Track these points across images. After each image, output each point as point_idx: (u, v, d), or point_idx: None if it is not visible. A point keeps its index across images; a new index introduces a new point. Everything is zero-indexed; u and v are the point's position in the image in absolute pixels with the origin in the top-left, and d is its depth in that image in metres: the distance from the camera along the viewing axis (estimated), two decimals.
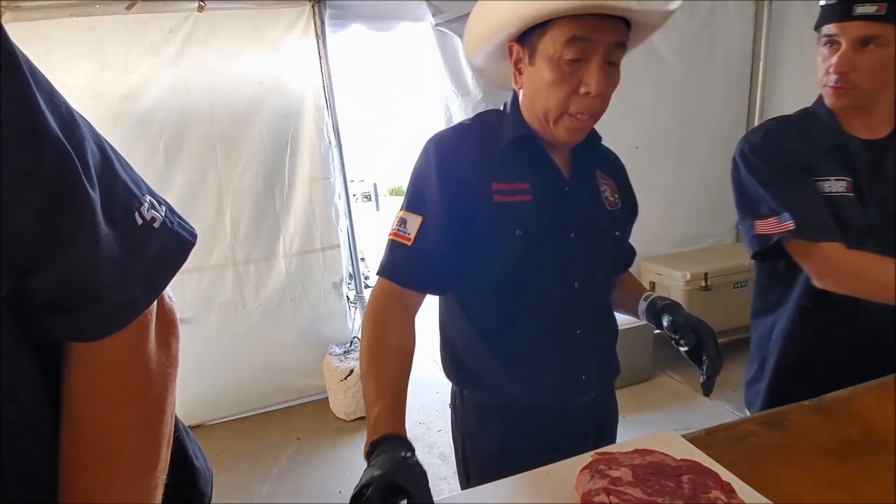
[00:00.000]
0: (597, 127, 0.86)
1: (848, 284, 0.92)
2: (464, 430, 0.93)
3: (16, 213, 0.35)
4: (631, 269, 1.05)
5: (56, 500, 0.42)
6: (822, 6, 0.96)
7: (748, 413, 1.15)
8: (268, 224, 2.55)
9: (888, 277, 0.85)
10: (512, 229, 0.79)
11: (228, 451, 2.39)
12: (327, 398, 2.68)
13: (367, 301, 0.82)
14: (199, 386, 2.50)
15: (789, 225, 0.94)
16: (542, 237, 0.81)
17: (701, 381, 0.81)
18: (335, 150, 2.57)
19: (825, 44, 0.95)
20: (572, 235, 0.83)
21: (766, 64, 3.03)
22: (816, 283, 0.96)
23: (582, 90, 0.73)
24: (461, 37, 2.59)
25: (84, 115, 0.43)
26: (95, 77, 2.21)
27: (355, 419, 2.58)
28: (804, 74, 2.85)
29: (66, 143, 0.38)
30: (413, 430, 2.42)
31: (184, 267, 0.48)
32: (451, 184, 0.78)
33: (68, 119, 0.39)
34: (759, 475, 0.66)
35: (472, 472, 0.92)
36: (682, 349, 0.83)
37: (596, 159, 0.90)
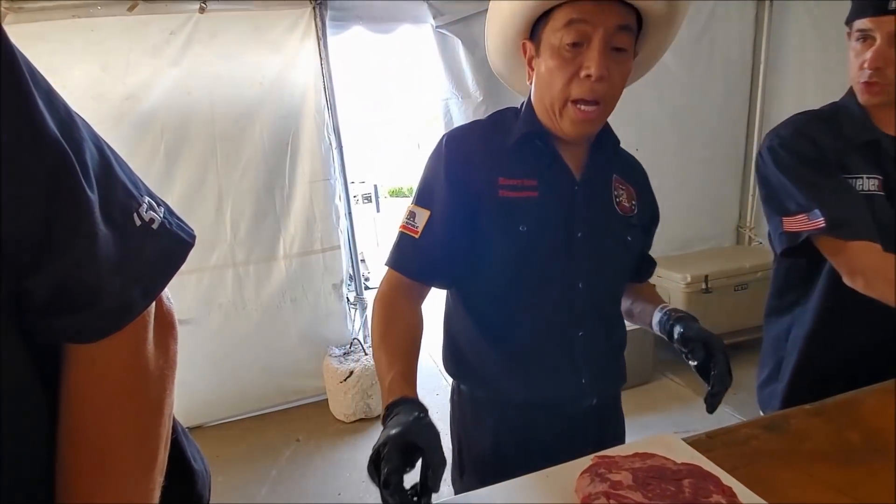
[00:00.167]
0: None
1: (879, 287, 0.88)
2: (460, 424, 0.93)
3: (14, 214, 0.35)
4: None
5: (53, 501, 0.42)
6: (854, 1, 0.93)
7: (762, 414, 1.13)
8: (268, 225, 2.55)
9: None
10: (515, 225, 0.79)
11: (228, 453, 2.39)
12: (327, 400, 2.67)
13: (367, 302, 0.83)
14: (198, 387, 2.50)
15: (819, 222, 0.90)
16: (547, 235, 0.80)
17: (706, 396, 0.78)
18: (335, 152, 2.58)
19: (858, 39, 0.92)
20: (579, 235, 0.82)
21: (766, 66, 3.03)
22: (847, 282, 0.92)
23: (582, 73, 0.72)
24: (462, 39, 2.59)
25: (85, 117, 0.43)
26: (97, 78, 2.21)
27: (355, 421, 2.57)
28: (805, 76, 2.86)
29: (65, 144, 0.37)
30: None
31: (184, 268, 0.48)
32: (459, 179, 0.80)
33: (67, 120, 0.39)
34: (760, 479, 0.65)
35: (466, 464, 0.92)
36: (692, 363, 0.81)
37: (614, 163, 0.89)
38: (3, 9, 2.05)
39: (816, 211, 0.92)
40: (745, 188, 3.29)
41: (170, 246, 0.46)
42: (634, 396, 2.58)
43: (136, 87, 2.27)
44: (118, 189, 0.42)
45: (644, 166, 0.98)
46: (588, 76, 0.72)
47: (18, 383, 0.40)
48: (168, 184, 2.36)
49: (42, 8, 2.11)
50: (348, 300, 2.76)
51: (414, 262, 0.81)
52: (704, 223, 3.22)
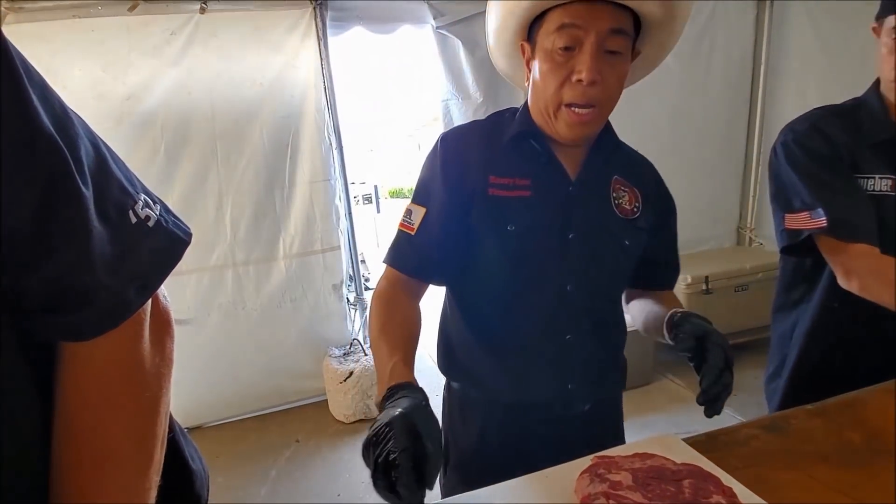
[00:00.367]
0: None
1: (874, 290, 0.87)
2: (449, 421, 0.94)
3: (8, 211, 0.35)
4: None
5: (48, 501, 0.42)
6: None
7: (768, 408, 1.14)
8: (268, 225, 2.55)
9: None
10: (504, 224, 0.79)
11: (227, 453, 2.38)
12: (326, 400, 2.67)
13: (367, 302, 0.83)
14: (197, 387, 2.50)
15: (821, 221, 0.90)
16: (537, 235, 0.80)
17: (697, 395, 0.69)
18: (336, 152, 2.58)
19: (894, 36, 0.89)
20: (570, 237, 0.80)
21: (766, 67, 3.03)
22: (842, 284, 0.92)
23: (574, 78, 0.72)
24: (462, 40, 2.59)
25: (86, 117, 0.43)
26: (97, 78, 2.21)
27: (354, 421, 2.57)
28: (805, 77, 2.86)
29: (60, 141, 0.37)
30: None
31: (183, 268, 0.48)
32: (454, 177, 0.80)
33: (62, 116, 0.39)
34: (760, 480, 0.65)
35: (451, 460, 0.92)
36: (690, 362, 0.74)
37: (615, 165, 0.86)
38: (3, 9, 2.05)
39: (820, 210, 0.91)
40: (745, 189, 3.29)
41: (165, 244, 0.46)
42: (635, 397, 2.58)
43: (136, 87, 2.27)
44: (113, 186, 0.42)
45: None
46: (580, 81, 0.71)
47: (13, 381, 0.39)
48: (168, 184, 2.36)
49: (42, 8, 2.11)
50: (348, 300, 2.76)
51: (410, 258, 0.82)
52: (705, 224, 3.21)
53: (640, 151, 0.94)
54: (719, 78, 3.03)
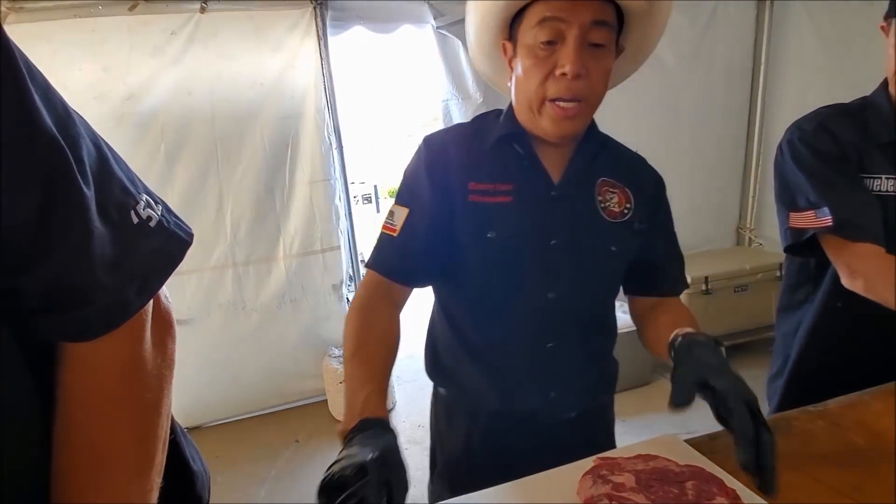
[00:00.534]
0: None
1: (878, 290, 0.86)
2: (436, 426, 0.93)
3: (8, 210, 0.35)
4: None
5: (48, 502, 0.42)
6: None
7: (768, 407, 1.13)
8: (268, 225, 2.54)
9: None
10: (483, 231, 0.77)
11: (227, 453, 2.38)
12: (326, 400, 2.67)
13: None
14: (197, 387, 2.49)
15: (827, 220, 0.89)
16: (519, 241, 0.77)
17: (739, 458, 0.55)
18: (336, 152, 2.58)
19: None
20: (553, 243, 0.78)
21: (766, 67, 3.03)
22: (846, 284, 0.91)
23: (557, 72, 0.70)
24: (462, 40, 2.59)
25: (86, 117, 0.43)
26: (98, 78, 2.21)
27: None
28: (805, 77, 2.86)
29: (61, 140, 0.37)
30: (413, 432, 2.42)
31: (184, 268, 0.47)
32: (436, 180, 0.78)
33: (64, 116, 0.39)
34: None
35: (438, 464, 0.92)
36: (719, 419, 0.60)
37: (602, 165, 0.82)
38: (3, 9, 2.05)
39: (826, 209, 0.90)
40: (745, 189, 3.29)
41: (167, 244, 0.46)
42: (633, 398, 2.58)
43: (136, 86, 2.27)
44: (115, 186, 0.42)
45: None
46: (564, 74, 0.70)
47: (13, 381, 0.39)
48: (168, 184, 2.36)
49: (43, 8, 2.10)
50: (348, 301, 2.76)
51: (391, 260, 0.79)
52: (704, 224, 3.21)
53: (640, 152, 0.91)
54: (719, 78, 3.03)
